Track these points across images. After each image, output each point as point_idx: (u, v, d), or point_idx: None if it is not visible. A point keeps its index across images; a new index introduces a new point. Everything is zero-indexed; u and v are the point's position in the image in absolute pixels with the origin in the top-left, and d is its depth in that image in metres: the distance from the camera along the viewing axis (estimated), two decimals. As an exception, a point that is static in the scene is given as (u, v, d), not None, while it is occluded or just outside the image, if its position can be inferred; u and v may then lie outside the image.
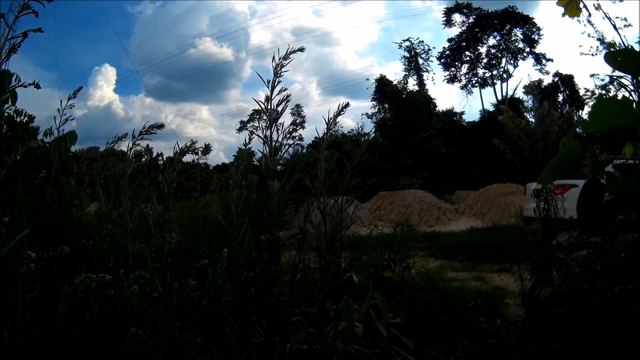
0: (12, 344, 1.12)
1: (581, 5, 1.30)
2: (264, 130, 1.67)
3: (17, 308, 1.14)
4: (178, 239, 1.52)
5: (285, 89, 1.64)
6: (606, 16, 1.57)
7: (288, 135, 1.71)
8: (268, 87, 1.63)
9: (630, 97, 1.08)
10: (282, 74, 1.63)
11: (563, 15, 1.34)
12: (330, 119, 1.72)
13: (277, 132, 1.68)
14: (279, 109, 1.65)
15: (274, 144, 1.68)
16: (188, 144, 1.50)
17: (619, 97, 1.07)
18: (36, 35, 1.36)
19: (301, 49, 1.63)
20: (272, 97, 1.64)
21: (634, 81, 1.09)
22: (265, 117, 1.66)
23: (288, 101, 1.65)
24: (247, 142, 1.85)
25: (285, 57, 1.62)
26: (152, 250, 1.42)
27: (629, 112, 0.95)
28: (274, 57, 1.61)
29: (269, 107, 1.65)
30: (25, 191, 1.59)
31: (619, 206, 1.05)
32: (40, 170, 1.79)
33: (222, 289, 1.60)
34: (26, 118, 1.71)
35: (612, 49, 1.05)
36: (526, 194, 8.10)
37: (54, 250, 1.27)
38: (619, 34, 1.29)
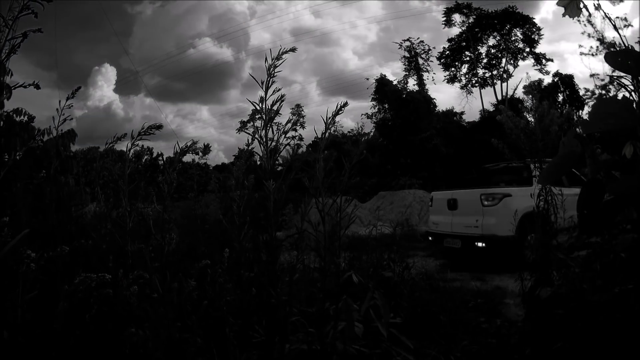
0: (12, 343, 1.12)
1: (581, 5, 1.30)
2: (260, 131, 1.67)
3: (17, 307, 1.14)
4: (177, 239, 1.52)
5: (280, 89, 1.66)
6: (606, 16, 1.57)
7: (284, 135, 1.71)
8: (262, 88, 1.64)
9: (630, 97, 1.08)
10: (275, 74, 1.64)
11: (563, 15, 1.34)
12: (329, 118, 1.72)
13: (273, 132, 1.69)
14: (274, 108, 1.65)
15: (270, 143, 1.68)
16: (188, 144, 1.51)
17: (619, 97, 1.07)
18: (36, 35, 1.36)
19: (293, 49, 1.65)
20: (267, 98, 1.65)
21: (634, 81, 1.09)
22: (260, 117, 1.67)
23: (282, 101, 1.66)
24: (249, 142, 1.86)
25: (278, 58, 1.64)
26: (151, 250, 1.42)
27: (629, 112, 0.95)
28: (266, 58, 1.63)
29: (263, 107, 1.65)
30: (25, 191, 1.59)
31: (619, 206, 1.05)
32: (39, 169, 1.79)
33: (223, 289, 1.60)
34: (26, 118, 1.71)
35: (612, 49, 1.05)
36: (432, 204, 6.97)
37: (54, 250, 1.27)
38: (619, 34, 1.29)
